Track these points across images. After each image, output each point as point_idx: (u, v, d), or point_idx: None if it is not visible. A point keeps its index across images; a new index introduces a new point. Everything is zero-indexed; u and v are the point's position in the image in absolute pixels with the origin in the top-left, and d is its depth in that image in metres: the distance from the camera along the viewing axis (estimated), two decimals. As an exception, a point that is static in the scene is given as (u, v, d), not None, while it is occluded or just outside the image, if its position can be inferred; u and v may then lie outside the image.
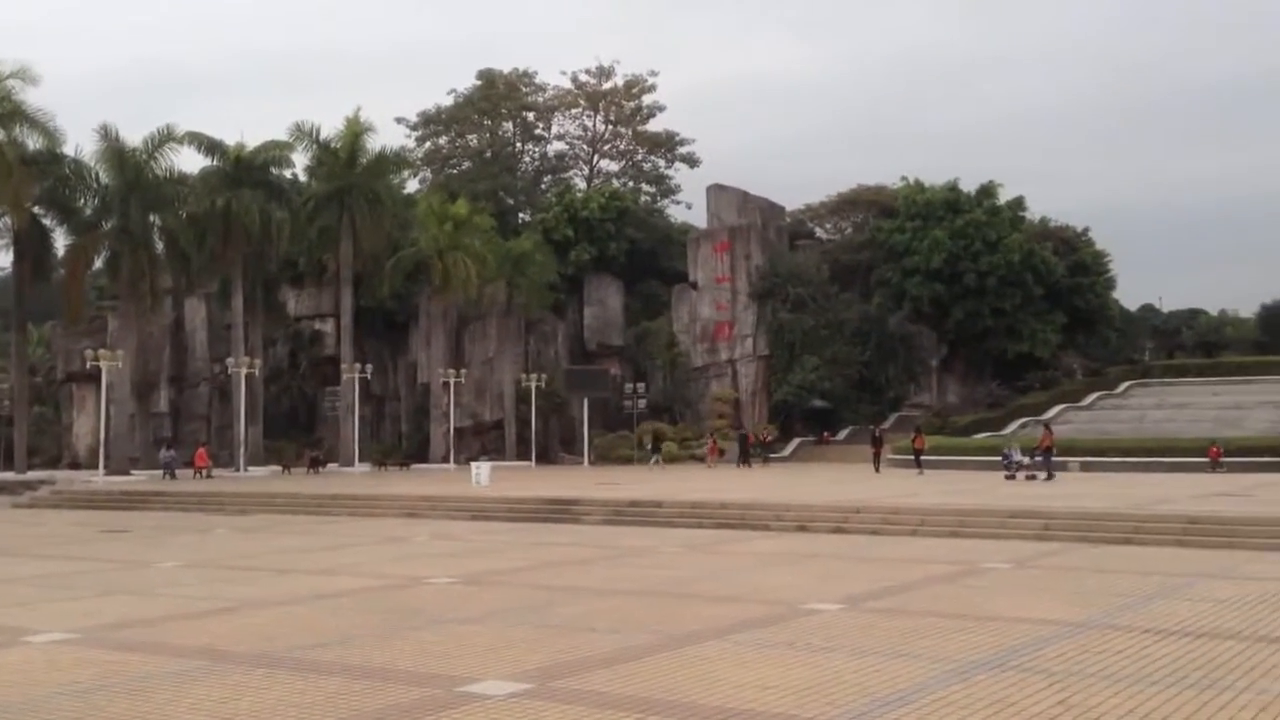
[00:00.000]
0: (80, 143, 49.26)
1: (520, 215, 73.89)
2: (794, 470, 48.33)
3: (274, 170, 55.41)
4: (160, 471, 45.65)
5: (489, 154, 77.66)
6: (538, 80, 78.88)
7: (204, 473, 45.70)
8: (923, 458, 42.94)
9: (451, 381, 55.76)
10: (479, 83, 76.58)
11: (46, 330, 68.41)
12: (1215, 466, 41.09)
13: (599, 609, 14.31)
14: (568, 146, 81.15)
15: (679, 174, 79.82)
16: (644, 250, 67.41)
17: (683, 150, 79.02)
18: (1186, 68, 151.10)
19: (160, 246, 50.01)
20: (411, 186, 71.61)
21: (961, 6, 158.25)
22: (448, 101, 77.04)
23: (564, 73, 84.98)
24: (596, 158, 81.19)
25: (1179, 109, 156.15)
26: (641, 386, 60.32)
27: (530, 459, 57.09)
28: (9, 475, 45.27)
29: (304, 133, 55.24)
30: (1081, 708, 8.85)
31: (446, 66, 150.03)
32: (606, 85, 78.14)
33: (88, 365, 46.26)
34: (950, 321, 63.23)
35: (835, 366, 59.69)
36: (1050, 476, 36.24)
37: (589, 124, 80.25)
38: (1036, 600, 14.57)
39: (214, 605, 15.05)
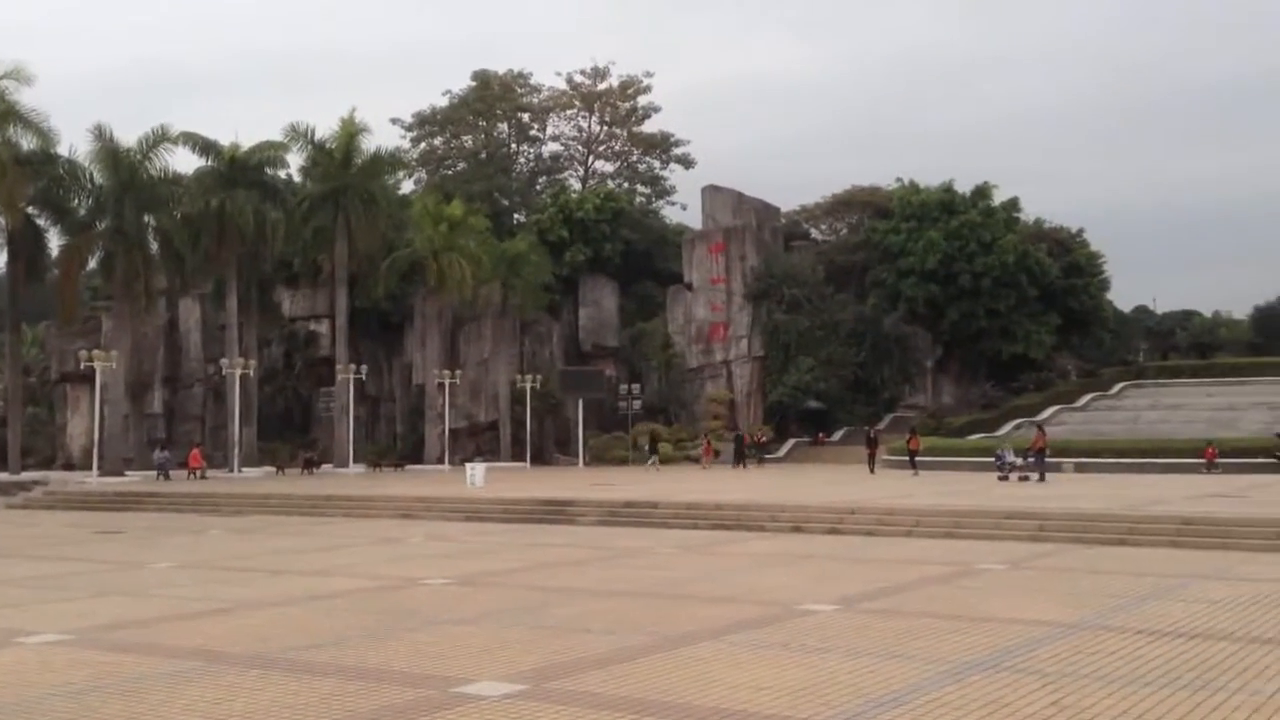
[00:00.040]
0: (76, 143, 49.26)
1: (515, 216, 73.87)
2: (789, 471, 48.35)
3: (269, 171, 55.32)
4: (154, 472, 45.58)
5: (484, 155, 77.63)
6: (533, 81, 78.93)
7: (198, 473, 45.64)
8: (917, 458, 42.99)
9: (446, 382, 55.73)
10: (474, 84, 76.57)
11: (41, 330, 68.30)
12: (1210, 467, 41.17)
13: (594, 610, 14.31)
14: (563, 147, 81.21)
15: (674, 175, 79.93)
16: (639, 251, 67.42)
17: (678, 151, 79.06)
18: (1186, 68, 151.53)
19: (155, 247, 49.95)
20: (406, 187, 71.59)
21: (961, 6, 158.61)
22: (443, 102, 77.12)
23: (559, 73, 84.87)
24: (591, 159, 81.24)
25: (1179, 109, 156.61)
26: (636, 387, 60.32)
27: (525, 460, 57.05)
28: (2, 476, 45.16)
29: (299, 133, 55.18)
30: (1075, 709, 8.86)
31: (446, 67, 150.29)
32: (601, 86, 78.17)
33: (82, 366, 46.19)
34: (945, 322, 63.30)
35: (830, 367, 59.72)
36: (1042, 478, 36.29)
37: (584, 125, 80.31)
38: (1031, 601, 14.59)
39: (208, 606, 15.04)
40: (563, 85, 78.62)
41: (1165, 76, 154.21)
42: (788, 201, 73.90)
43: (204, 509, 33.91)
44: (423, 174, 76.64)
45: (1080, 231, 69.71)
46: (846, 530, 24.58)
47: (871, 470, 44.00)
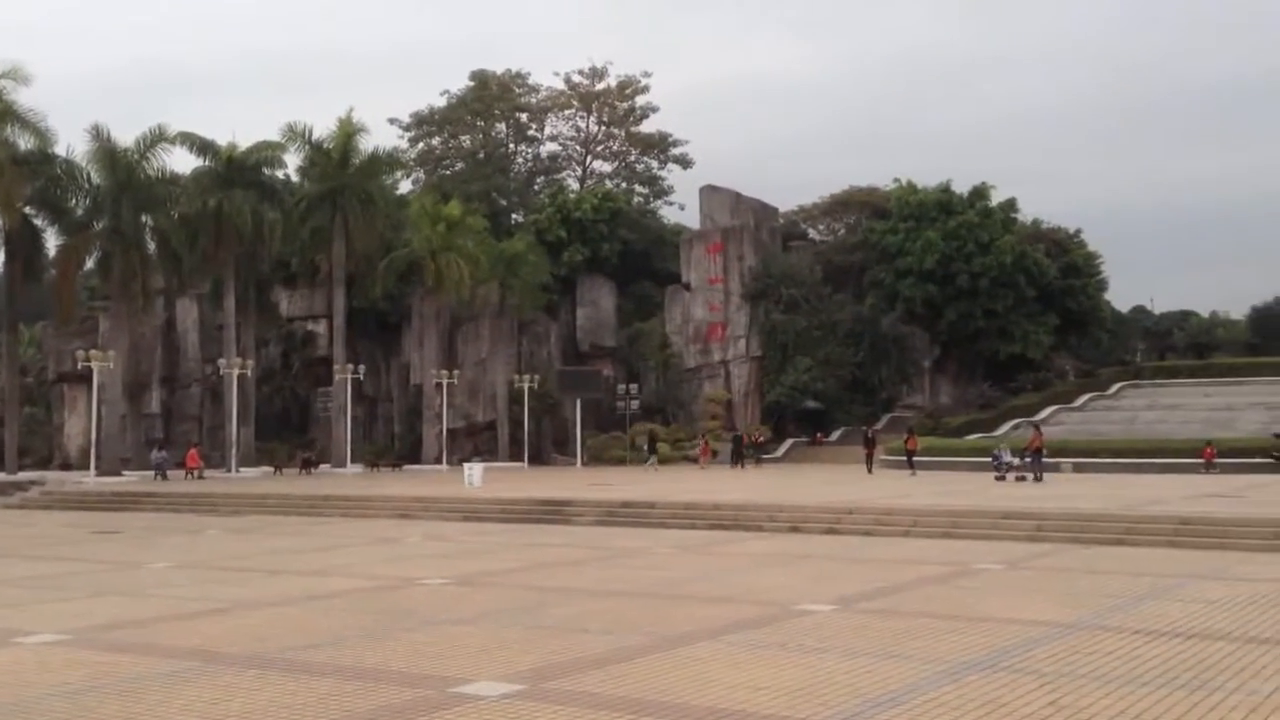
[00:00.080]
0: (73, 143, 49.18)
1: (513, 216, 73.85)
2: (786, 471, 48.36)
3: (266, 171, 55.25)
4: (152, 472, 45.54)
5: (482, 155, 77.63)
6: (531, 81, 78.95)
7: (196, 474, 45.61)
8: (915, 458, 43.01)
9: (444, 382, 55.70)
10: (472, 84, 76.57)
11: (38, 331, 68.23)
12: (1209, 467, 41.20)
13: (592, 610, 14.31)
14: (561, 147, 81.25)
15: (672, 175, 79.98)
16: (637, 251, 67.42)
17: (675, 151, 79.10)
18: (1186, 68, 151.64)
19: (152, 247, 49.90)
20: (404, 187, 71.60)
21: (961, 6, 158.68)
22: (441, 102, 77.11)
23: (557, 73, 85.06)
24: (589, 159, 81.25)
25: (1179, 109, 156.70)
26: (634, 387, 60.31)
27: (523, 460, 57.03)
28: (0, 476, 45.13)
29: (296, 133, 55.13)
30: (1072, 709, 8.87)
31: (446, 67, 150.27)
32: (599, 86, 78.20)
33: (79, 366, 46.12)
34: (943, 323, 63.32)
35: (828, 367, 59.73)
36: (1040, 478, 36.30)
37: (582, 125, 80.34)
38: (1028, 601, 14.60)
39: (206, 606, 15.03)
40: (561, 85, 78.75)
41: (1165, 76, 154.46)
42: (788, 202, 74.05)
43: (201, 509, 33.88)
44: (420, 174, 76.65)
45: (1078, 232, 69.84)
46: (844, 530, 24.59)
47: (869, 470, 44.02)
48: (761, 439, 55.88)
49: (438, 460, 55.35)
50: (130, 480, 43.95)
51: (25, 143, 46.91)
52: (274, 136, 54.79)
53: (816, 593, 15.46)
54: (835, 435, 60.14)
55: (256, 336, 57.37)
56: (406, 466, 55.38)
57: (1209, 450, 42.08)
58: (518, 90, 78.34)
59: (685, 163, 78.81)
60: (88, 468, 45.52)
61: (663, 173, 79.90)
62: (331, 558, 21.09)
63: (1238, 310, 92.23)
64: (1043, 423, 50.95)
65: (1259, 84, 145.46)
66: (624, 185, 78.35)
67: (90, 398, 47.43)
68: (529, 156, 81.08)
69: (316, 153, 55.89)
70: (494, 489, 34.86)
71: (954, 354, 65.84)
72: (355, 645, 11.92)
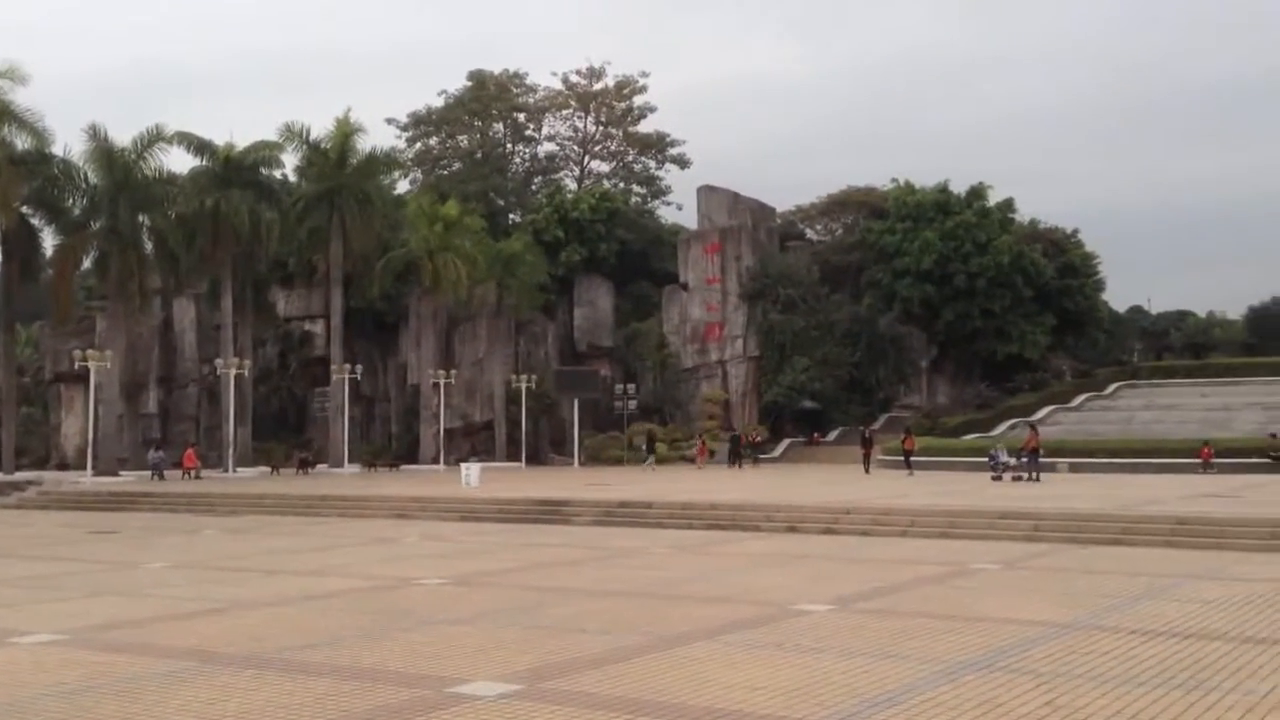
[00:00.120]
0: (71, 142, 49.15)
1: (510, 216, 73.86)
2: (784, 471, 48.37)
3: (264, 170, 55.22)
4: (149, 472, 45.51)
5: (479, 155, 77.64)
6: (528, 81, 78.99)
7: (193, 473, 45.59)
8: (912, 458, 43.03)
9: (441, 382, 55.69)
10: (469, 84, 76.56)
11: (35, 330, 68.17)
12: (1206, 467, 41.25)
13: (589, 610, 14.30)
14: (558, 147, 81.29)
15: (669, 175, 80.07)
16: (634, 251, 67.45)
17: (673, 151, 79.17)
18: (1186, 68, 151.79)
19: (149, 247, 49.86)
20: (402, 187, 71.60)
21: (961, 6, 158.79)
22: (438, 102, 77.10)
23: (555, 73, 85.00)
24: (587, 159, 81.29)
25: (1179, 109, 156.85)
26: (632, 387, 60.32)
27: (520, 460, 57.05)
28: (-4, 476, 45.09)
29: (294, 133, 55.13)
30: (1069, 709, 8.88)
31: (445, 67, 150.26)
32: (597, 86, 78.24)
33: (76, 366, 46.07)
34: (940, 323, 63.38)
35: (825, 367, 59.77)
36: (1037, 478, 36.33)
37: (579, 125, 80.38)
38: (1025, 601, 14.61)
39: (202, 606, 15.01)
40: (558, 85, 78.80)
41: (1165, 76, 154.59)
42: (788, 202, 74.11)
43: (199, 509, 33.86)
44: (418, 174, 76.66)
45: (1075, 232, 69.93)
46: (841, 530, 24.60)
47: (866, 470, 44.04)
48: (759, 439, 55.88)
49: (435, 460, 55.35)
50: (127, 480, 43.91)
51: (22, 142, 46.91)
52: (272, 137, 54.91)
53: (814, 593, 15.47)
54: (833, 435, 60.19)
55: (254, 336, 57.37)
56: (404, 466, 55.37)
57: (1206, 450, 42.13)
58: (515, 90, 78.35)
59: (683, 163, 78.90)
60: (85, 468, 45.48)
61: (660, 173, 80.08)
62: (329, 558, 21.08)
63: (1235, 310, 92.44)
64: (1040, 423, 50.95)
65: (1259, 84, 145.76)
66: (621, 185, 78.39)
67: (87, 398, 47.37)
68: (526, 156, 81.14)
69: (314, 153, 55.89)
70: (491, 489, 34.85)
71: (951, 354, 65.90)
72: (352, 645, 11.92)
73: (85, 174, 48.32)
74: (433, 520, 29.33)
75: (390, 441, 62.39)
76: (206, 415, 60.65)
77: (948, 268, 62.00)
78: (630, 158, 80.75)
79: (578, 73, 78.14)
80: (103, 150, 47.51)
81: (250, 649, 11.70)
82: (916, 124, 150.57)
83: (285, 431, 60.01)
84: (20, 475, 45.69)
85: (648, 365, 63.57)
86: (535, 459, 58.70)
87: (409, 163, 75.11)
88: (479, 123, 78.02)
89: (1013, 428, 53.36)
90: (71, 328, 58.07)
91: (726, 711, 8.90)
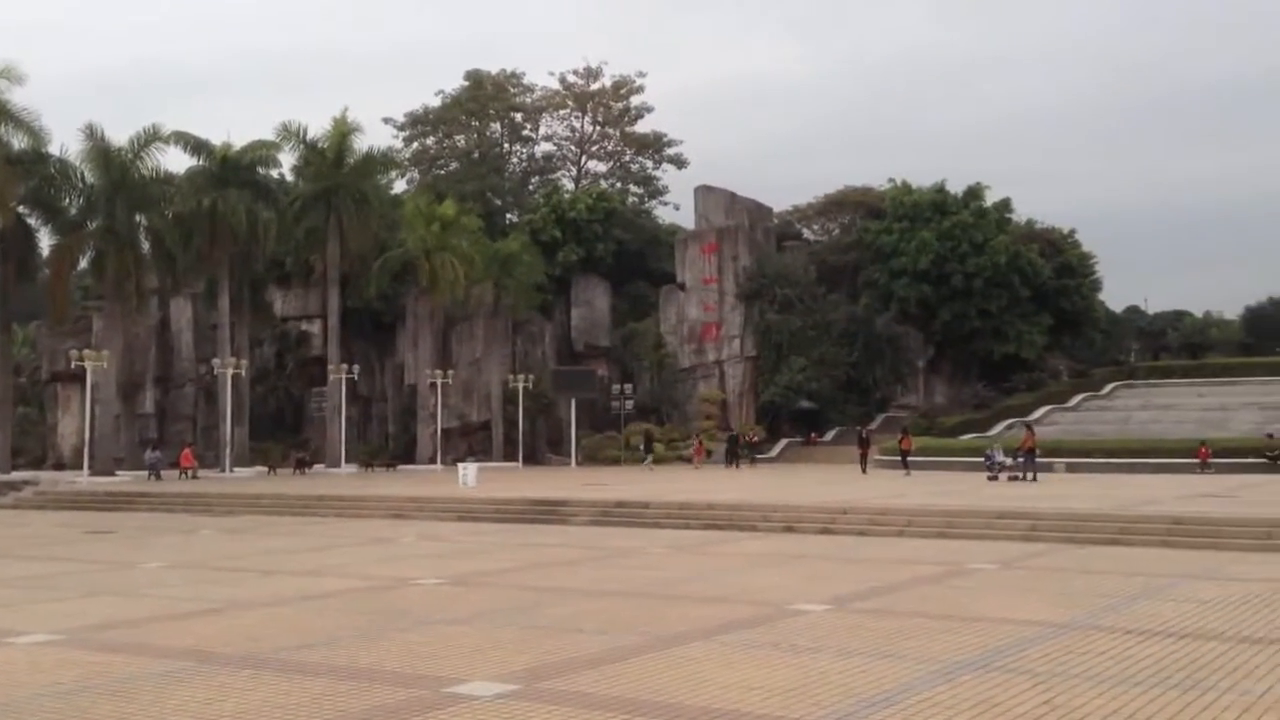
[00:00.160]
0: (67, 142, 49.04)
1: (508, 216, 73.87)
2: (781, 471, 48.38)
3: (261, 170, 55.21)
4: (145, 472, 45.47)
5: (476, 155, 77.60)
6: (525, 81, 78.93)
7: (189, 473, 45.54)
8: (909, 458, 43.03)
9: (438, 382, 55.68)
10: (466, 83, 76.52)
11: (31, 330, 68.08)
12: (1204, 467, 41.28)
13: (586, 610, 14.30)
14: (555, 147, 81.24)
15: (667, 175, 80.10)
16: (631, 251, 67.44)
17: (670, 151, 79.15)
18: (1186, 68, 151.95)
19: (146, 246, 49.78)
20: (399, 187, 71.61)
21: (961, 6, 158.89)
22: (436, 102, 77.06)
23: (552, 73, 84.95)
24: (584, 159, 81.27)
25: (1179, 109, 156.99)
26: (629, 387, 60.31)
27: (517, 460, 57.04)
28: (-7, 476, 45.02)
29: (291, 133, 55.11)
30: (1066, 708, 8.88)
31: (445, 67, 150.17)
32: (594, 86, 78.21)
33: (73, 365, 46.05)
34: (937, 323, 63.41)
35: (822, 367, 59.78)
36: (1034, 478, 36.35)
37: (577, 125, 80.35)
38: (1022, 601, 14.62)
39: (199, 606, 15.00)
40: (555, 85, 78.75)
41: (1165, 76, 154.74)
42: (787, 202, 74.15)
43: (195, 509, 33.83)
44: (415, 174, 76.60)
45: (1072, 232, 69.98)
46: (838, 530, 24.60)
47: (863, 470, 44.05)
48: (756, 439, 55.88)
49: (432, 460, 55.32)
50: (124, 480, 43.88)
51: (19, 142, 46.85)
52: (270, 136, 54.90)
53: (811, 592, 15.47)
54: (830, 435, 60.22)
55: (251, 336, 57.32)
56: (401, 466, 55.33)
57: (1204, 450, 42.16)
58: (512, 90, 78.31)
59: (680, 163, 78.92)
60: (81, 467, 45.44)
61: (657, 173, 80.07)
62: (326, 558, 21.07)
63: (1232, 310, 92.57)
64: (1036, 423, 51.01)
65: (1259, 84, 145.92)
66: (619, 185, 78.37)
67: (84, 397, 47.34)
68: (524, 156, 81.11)
69: (311, 152, 55.88)
70: (488, 489, 34.84)
71: (948, 354, 65.93)
72: (349, 645, 11.91)
73: (82, 174, 48.27)
74: (430, 520, 29.32)
75: (387, 441, 62.37)
76: (203, 415, 60.60)
77: (945, 268, 62.03)
78: (627, 158, 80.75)
79: (575, 73, 78.22)
80: (99, 150, 47.45)
81: (247, 649, 11.69)
82: (916, 124, 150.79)
83: (282, 431, 59.97)
84: (17, 475, 45.61)
85: (645, 365, 63.56)
86: (532, 459, 58.69)
87: (406, 163, 75.14)
88: (476, 123, 77.98)
89: (1010, 428, 53.39)
90: (68, 327, 58.02)
91: (723, 711, 8.90)
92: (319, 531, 26.98)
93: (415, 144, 77.52)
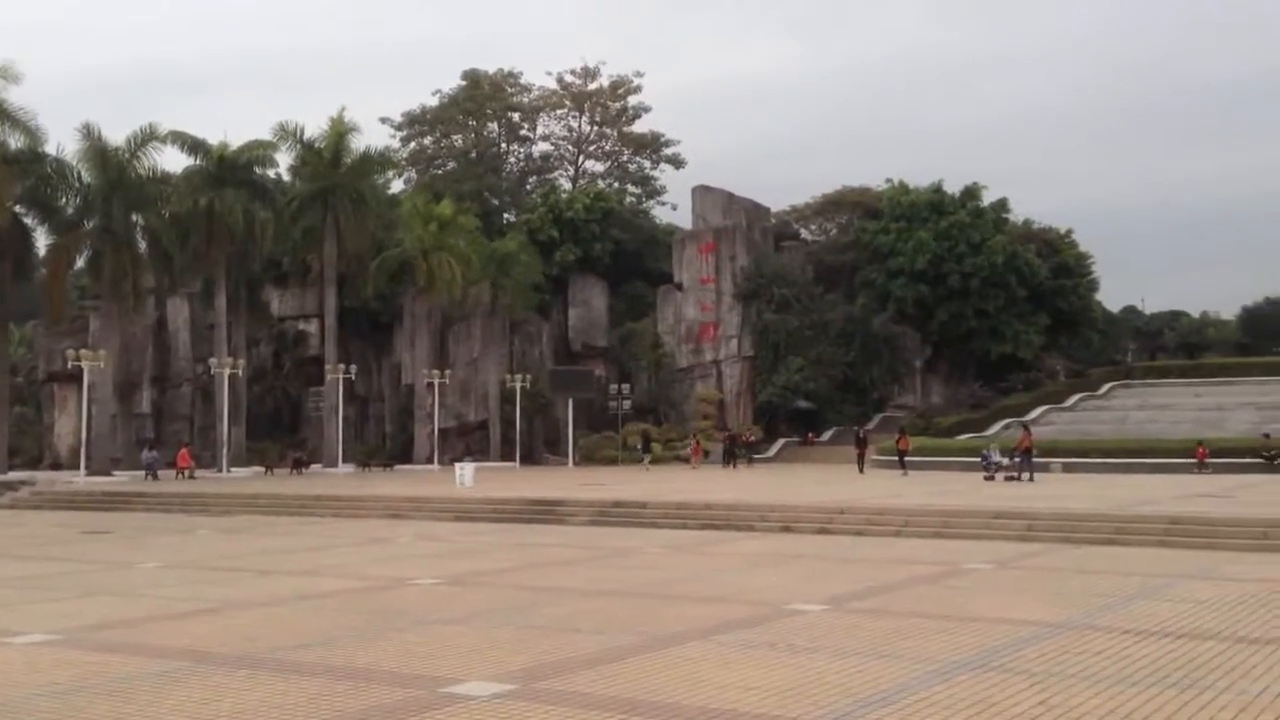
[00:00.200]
0: (63, 141, 48.95)
1: (505, 216, 73.84)
2: (778, 471, 48.39)
3: (258, 170, 55.16)
4: (142, 472, 45.43)
5: (474, 154, 77.57)
6: (523, 81, 78.94)
7: (186, 473, 45.49)
8: (906, 458, 43.05)
9: (436, 382, 55.63)
10: (464, 83, 76.49)
11: (28, 330, 67.99)
12: (1201, 467, 41.32)
13: (583, 610, 14.30)
14: (553, 147, 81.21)
15: (665, 175, 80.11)
16: (629, 251, 67.43)
17: (668, 151, 79.15)
18: (1186, 68, 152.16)
19: (143, 246, 49.75)
20: (396, 187, 71.55)
21: (961, 6, 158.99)
22: (433, 102, 77.03)
23: (549, 73, 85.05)
24: (582, 158, 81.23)
25: (1179, 109, 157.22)
26: (626, 387, 60.31)
27: (515, 460, 57.01)
28: (-10, 476, 44.96)
29: (288, 132, 55.08)
30: (1062, 708, 8.89)
31: (445, 67, 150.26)
32: (592, 86, 78.20)
33: (69, 365, 45.98)
34: (934, 323, 63.45)
35: (820, 367, 59.80)
36: (1031, 478, 36.37)
37: (574, 125, 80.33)
38: (1019, 601, 14.63)
39: (196, 606, 14.99)
40: (553, 85, 78.74)
41: (1165, 76, 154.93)
42: (786, 202, 74.20)
43: (192, 509, 33.80)
44: (412, 173, 76.57)
45: (1069, 232, 70.09)
46: (836, 530, 24.61)
47: (861, 470, 44.08)
48: (753, 439, 55.89)
49: (429, 460, 55.29)
50: (121, 480, 43.84)
51: (16, 141, 46.76)
52: (269, 136, 54.83)
53: (808, 592, 15.48)
54: (827, 435, 60.24)
55: (248, 336, 57.28)
56: (398, 466, 55.29)
57: (1201, 450, 42.19)
58: (510, 90, 78.30)
59: (678, 163, 78.91)
60: (78, 467, 45.38)
61: (655, 173, 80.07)
62: (322, 558, 21.06)
63: (1228, 311, 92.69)
64: (1033, 423, 51.09)
65: (1259, 84, 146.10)
66: (616, 185, 78.36)
67: (81, 397, 47.30)
68: (521, 156, 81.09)
69: (308, 152, 55.84)
70: (486, 489, 34.83)
71: (945, 354, 65.98)
72: (346, 645, 11.90)
73: (79, 173, 48.20)
74: (427, 520, 29.31)
75: (384, 441, 62.34)
76: (200, 415, 60.53)
77: (942, 268, 62.08)
78: (625, 157, 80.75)
79: (572, 72, 78.23)
80: (96, 149, 47.41)
81: (244, 649, 11.69)
82: (916, 124, 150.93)
83: (279, 431, 59.93)
84: (14, 475, 45.55)
85: (642, 365, 63.56)
86: (530, 459, 58.67)
87: (403, 162, 75.10)
88: (473, 122, 77.96)
89: (1007, 427, 53.44)
90: (65, 327, 57.92)
91: (720, 711, 8.90)
92: (316, 531, 26.97)
93: (412, 144, 77.51)
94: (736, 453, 52.45)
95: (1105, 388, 61.68)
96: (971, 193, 65.61)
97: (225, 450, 49.88)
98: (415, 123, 77.19)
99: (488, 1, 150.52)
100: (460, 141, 78.60)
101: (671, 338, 63.32)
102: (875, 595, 15.44)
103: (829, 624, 12.98)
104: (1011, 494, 30.23)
